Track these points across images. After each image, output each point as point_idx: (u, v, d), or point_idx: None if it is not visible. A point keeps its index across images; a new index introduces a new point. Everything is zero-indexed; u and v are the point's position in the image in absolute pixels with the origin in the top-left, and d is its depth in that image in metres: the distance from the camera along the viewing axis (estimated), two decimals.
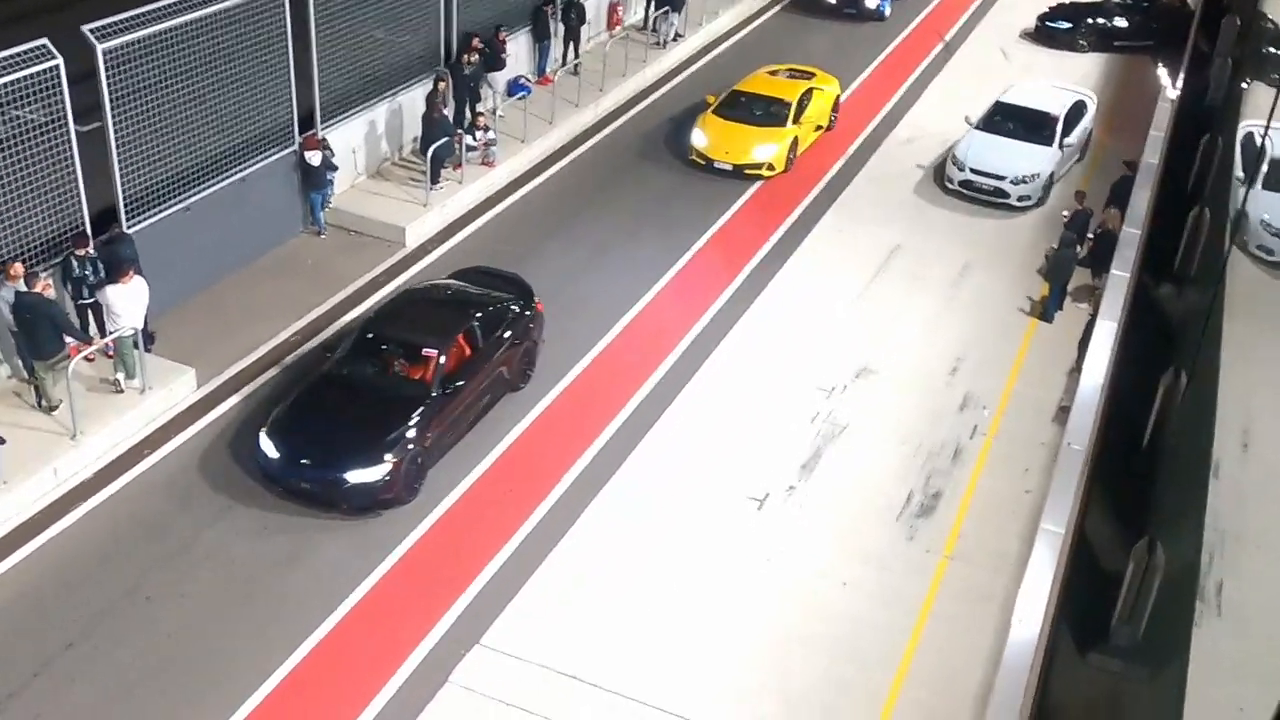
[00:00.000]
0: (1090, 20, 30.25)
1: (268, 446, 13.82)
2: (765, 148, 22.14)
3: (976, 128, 22.86)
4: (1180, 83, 14.05)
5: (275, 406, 14.54)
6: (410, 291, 16.58)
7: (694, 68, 27.25)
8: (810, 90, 23.74)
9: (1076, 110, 23.21)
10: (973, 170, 21.78)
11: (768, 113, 22.82)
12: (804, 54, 27.53)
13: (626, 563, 13.38)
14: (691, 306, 18.21)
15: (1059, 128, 22.43)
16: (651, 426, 15.57)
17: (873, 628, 12.70)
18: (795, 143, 22.67)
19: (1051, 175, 22.02)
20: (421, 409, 14.07)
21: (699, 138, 22.45)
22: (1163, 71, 20.20)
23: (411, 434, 13.85)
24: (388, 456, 13.57)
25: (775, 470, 14.88)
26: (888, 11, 30.75)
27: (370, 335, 15.06)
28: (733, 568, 13.40)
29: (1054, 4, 31.08)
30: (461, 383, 14.52)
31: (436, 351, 14.50)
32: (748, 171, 22.05)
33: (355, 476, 13.50)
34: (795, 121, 22.87)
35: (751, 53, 27.89)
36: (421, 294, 16.35)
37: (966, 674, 12.12)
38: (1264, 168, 7.83)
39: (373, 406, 14.20)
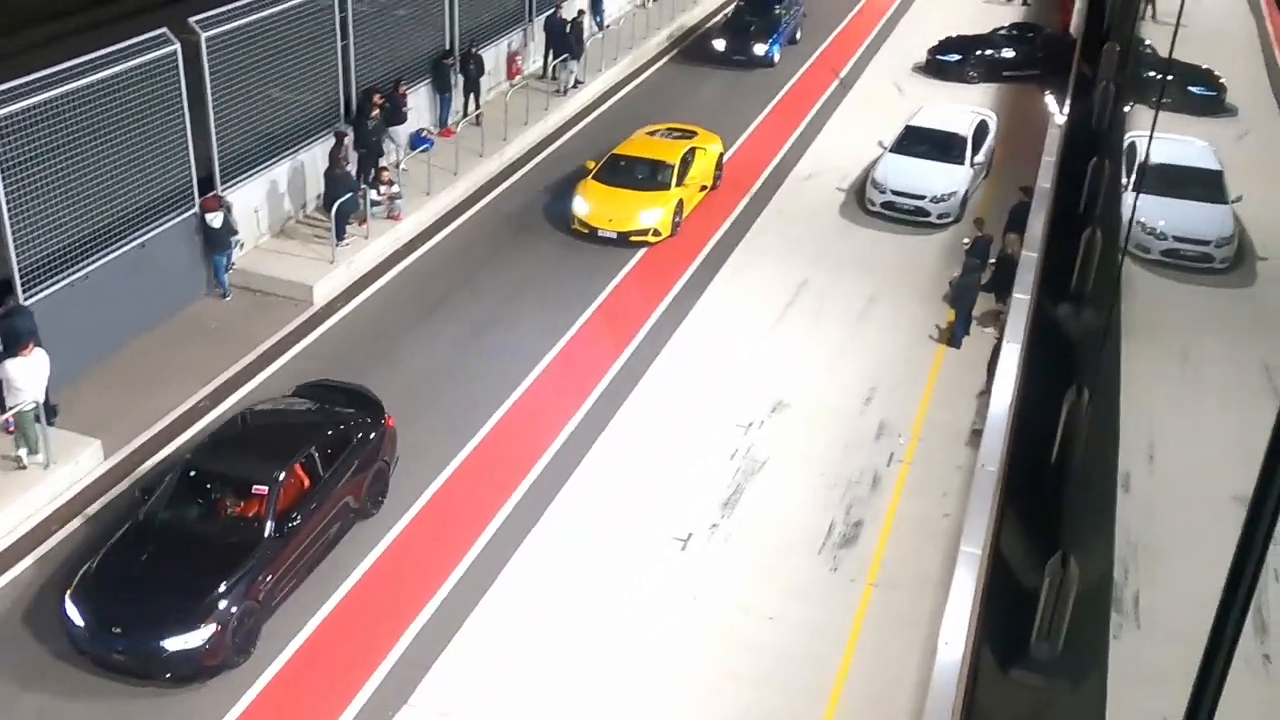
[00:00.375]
0: (979, 52, 31.16)
1: (73, 613, 12.05)
2: (650, 213, 21.45)
3: (891, 151, 23.75)
4: (1066, 108, 14.51)
5: (84, 562, 12.73)
6: (242, 415, 14.57)
7: (596, 113, 27.45)
8: (693, 150, 23.07)
9: (981, 129, 24.41)
10: (894, 192, 22.72)
11: (650, 176, 22.12)
12: (697, 101, 27.98)
13: (553, 612, 13.27)
14: (598, 360, 18.24)
15: (969, 147, 23.54)
16: (573, 471, 15.51)
17: (801, 659, 12.74)
18: (680, 205, 22.02)
19: (966, 192, 23.05)
20: (252, 558, 12.40)
21: (580, 206, 21.63)
22: (1050, 99, 20.82)
23: (240, 589, 12.17)
24: (211, 618, 11.89)
25: (697, 509, 14.91)
26: (776, 58, 30.83)
27: (193, 472, 13.31)
28: (659, 608, 13.36)
29: (943, 38, 31.89)
30: (299, 521, 12.86)
31: (268, 489, 12.84)
32: (633, 239, 21.34)
33: (174, 644, 11.79)
34: (679, 183, 22.20)
35: (646, 100, 28.22)
36: (254, 418, 14.46)
37: (896, 699, 12.20)
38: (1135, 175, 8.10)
39: (195, 558, 12.46)
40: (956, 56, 31.03)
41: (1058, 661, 5.37)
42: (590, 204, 21.62)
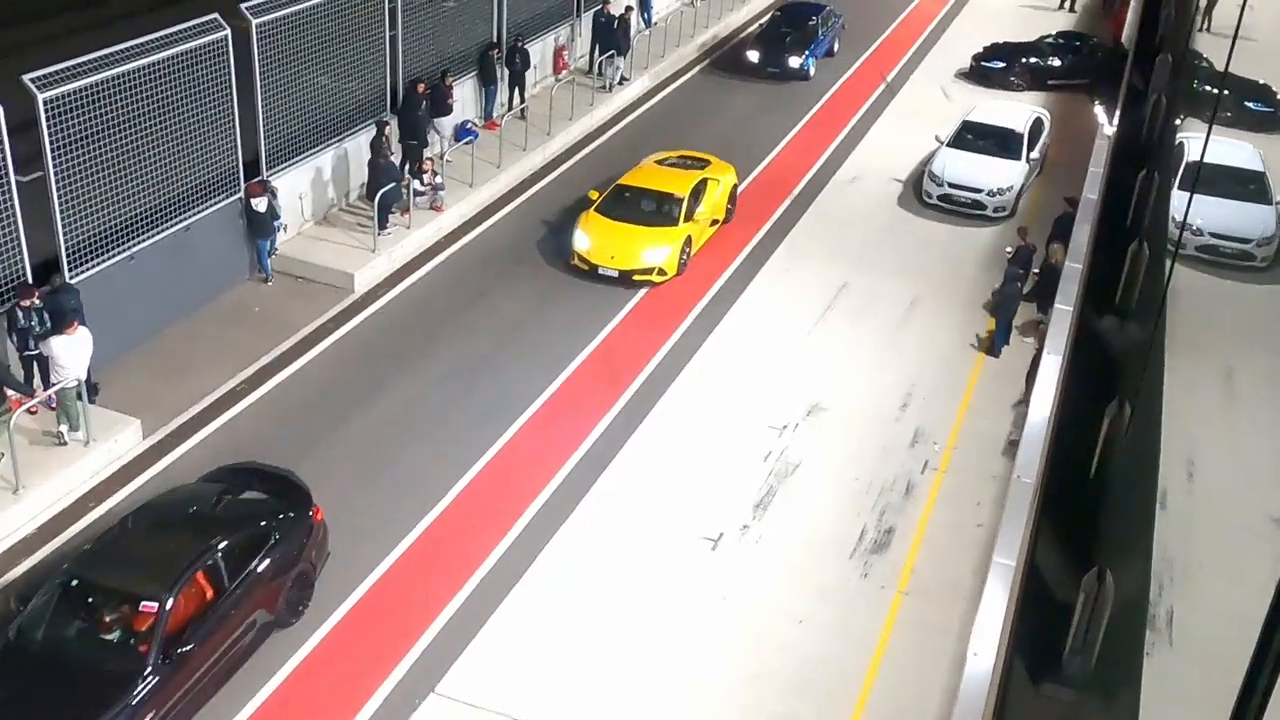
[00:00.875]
0: (1024, 59, 30.87)
1: None
2: (655, 250, 19.92)
3: (948, 145, 24.03)
4: (1116, 119, 14.37)
5: None
6: (142, 510, 12.52)
7: (639, 110, 27.44)
8: (704, 181, 21.44)
9: (1037, 126, 24.71)
10: (950, 185, 23.11)
11: (657, 210, 20.56)
12: (735, 105, 27.85)
13: (583, 607, 13.29)
14: (634, 356, 18.25)
15: (1024, 143, 23.83)
16: (606, 467, 15.53)
17: (829, 664, 12.69)
18: (689, 241, 20.48)
19: (1021, 187, 23.32)
20: (135, 692, 10.42)
21: (581, 240, 20.12)
22: (1100, 109, 20.64)
23: None
24: None
25: (729, 510, 14.89)
26: (812, 71, 29.98)
27: (74, 582, 11.25)
28: (688, 608, 13.35)
29: (989, 44, 31.66)
30: (192, 646, 10.90)
31: (157, 605, 10.80)
32: (636, 278, 19.84)
33: None
34: (688, 218, 20.58)
35: (686, 103, 28.19)
36: (152, 515, 12.37)
37: (923, 708, 12.13)
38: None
39: (66, 690, 10.47)
40: (1001, 64, 30.78)
41: (1090, 676, 5.33)
42: (591, 239, 20.06)
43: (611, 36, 27.29)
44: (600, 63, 27.43)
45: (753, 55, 30.12)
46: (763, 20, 33.00)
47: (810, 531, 14.63)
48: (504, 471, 15.40)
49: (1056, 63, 30.91)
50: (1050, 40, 31.86)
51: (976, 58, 31.22)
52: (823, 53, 30.89)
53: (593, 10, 27.87)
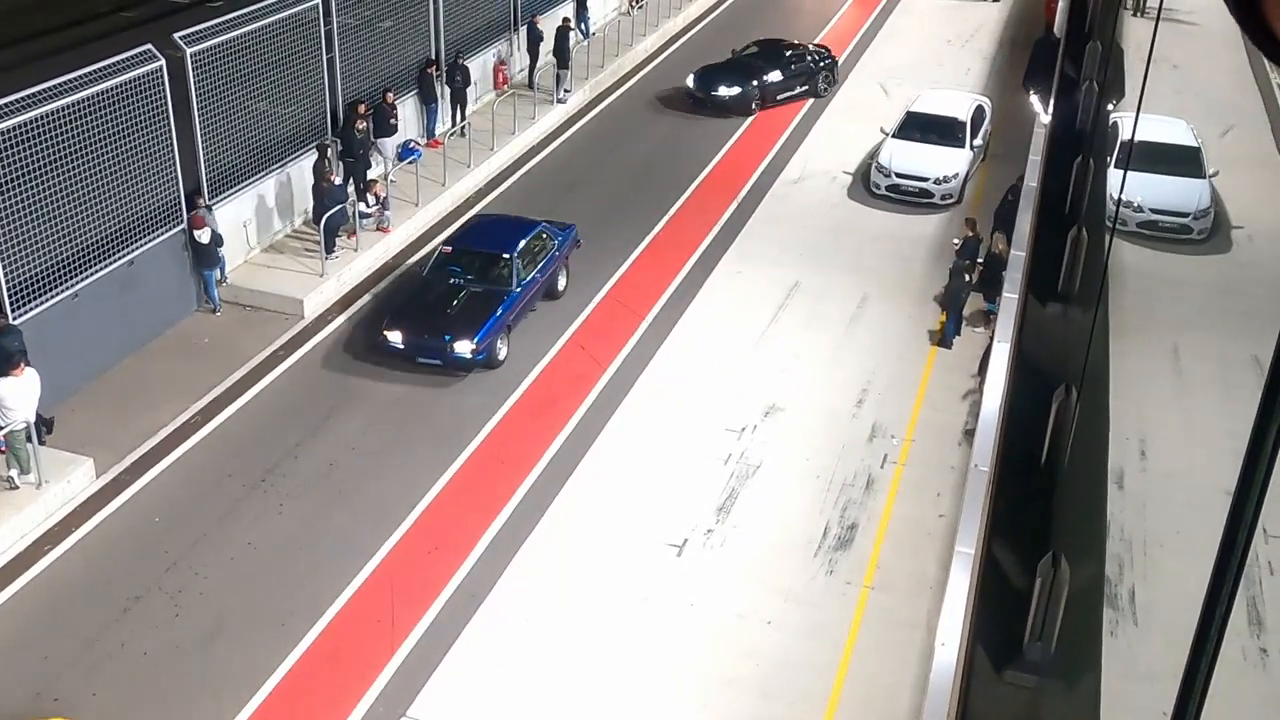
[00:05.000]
0: (755, 81, 27.94)
1: None
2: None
3: (893, 136, 24.35)
4: (1051, 108, 14.56)
5: None
6: None
7: (582, 121, 27.43)
8: (540, 239, 19.20)
9: (979, 113, 25.09)
10: (898, 175, 23.48)
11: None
12: (672, 121, 27.94)
13: (551, 621, 13.26)
14: (588, 367, 18.25)
15: (967, 130, 24.27)
16: (566, 480, 15.50)
17: (799, 664, 12.74)
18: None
19: (967, 174, 23.76)
20: None
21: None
22: (1035, 98, 20.91)
23: None
24: None
25: (692, 515, 14.91)
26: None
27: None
28: (657, 616, 13.35)
29: (698, 69, 28.57)
30: None
31: None
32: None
33: None
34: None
35: (630, 112, 28.22)
36: None
37: (896, 701, 12.20)
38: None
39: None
40: (735, 88, 27.57)
41: (1051, 661, 5.39)
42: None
43: (542, 48, 27.28)
44: (539, 75, 27.37)
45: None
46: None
47: (774, 532, 14.68)
48: (463, 491, 15.33)
49: (779, 76, 28.26)
50: (754, 53, 29.07)
51: (698, 90, 27.78)
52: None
53: (526, 24, 27.83)
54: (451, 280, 18.13)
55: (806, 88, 28.79)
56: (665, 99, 28.92)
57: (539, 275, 18.77)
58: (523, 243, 18.64)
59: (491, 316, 17.41)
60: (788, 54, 29.05)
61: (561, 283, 19.66)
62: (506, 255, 18.35)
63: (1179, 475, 15.18)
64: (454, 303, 17.65)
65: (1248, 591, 12.69)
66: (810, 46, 29.87)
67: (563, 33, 27.35)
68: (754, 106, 27.74)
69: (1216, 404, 16.75)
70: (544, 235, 19.26)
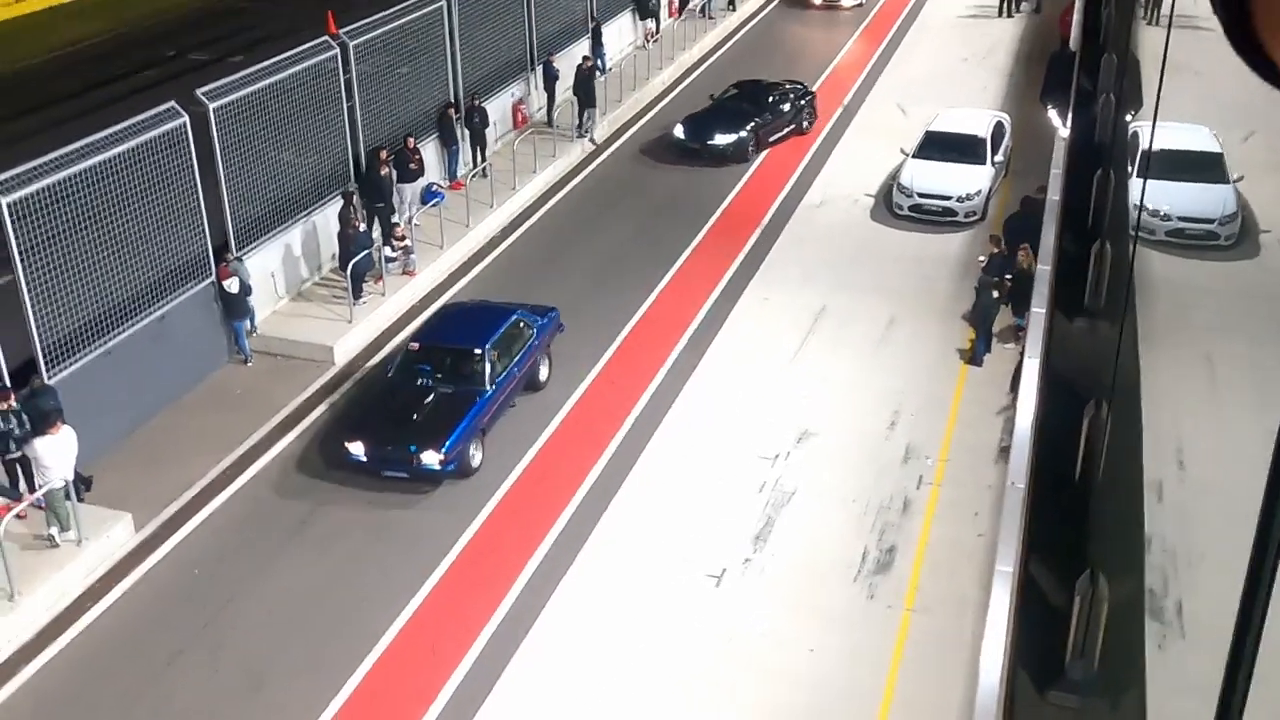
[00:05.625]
0: (754, 123, 27.10)
1: None
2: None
3: (913, 156, 24.30)
4: (1070, 122, 14.53)
5: None
6: None
7: (604, 155, 27.55)
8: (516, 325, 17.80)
9: (998, 130, 25.04)
10: (920, 194, 23.45)
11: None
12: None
13: (593, 656, 13.21)
14: (620, 401, 18.26)
15: (988, 147, 24.21)
16: (602, 514, 15.49)
17: (844, 690, 12.63)
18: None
19: (989, 190, 23.73)
20: None
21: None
22: (1053, 113, 20.86)
23: None
24: None
25: (729, 545, 14.85)
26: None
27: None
28: (697, 648, 13.29)
29: (686, 118, 27.56)
30: None
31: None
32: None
33: None
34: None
35: (643, 153, 28.31)
36: None
37: None
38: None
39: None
40: (732, 135, 26.52)
41: (1094, 680, 5.32)
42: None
43: (558, 85, 27.51)
44: (557, 112, 27.54)
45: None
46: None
47: (812, 558, 14.60)
48: (504, 524, 15.34)
49: (770, 117, 27.45)
50: (735, 95, 28.16)
51: (690, 140, 26.67)
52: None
53: (543, 63, 28.04)
54: (419, 381, 16.60)
55: (793, 126, 28.01)
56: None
57: (516, 369, 17.18)
58: (497, 335, 17.04)
59: (462, 421, 15.87)
60: (773, 94, 28.14)
61: (543, 373, 18.12)
62: (478, 351, 16.69)
63: (1218, 484, 14.98)
64: (421, 407, 16.12)
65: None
66: (787, 84, 28.93)
67: (588, 73, 27.48)
68: (750, 151, 26.76)
69: (1253, 410, 16.54)
70: (521, 324, 17.66)
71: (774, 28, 37.38)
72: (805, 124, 28.41)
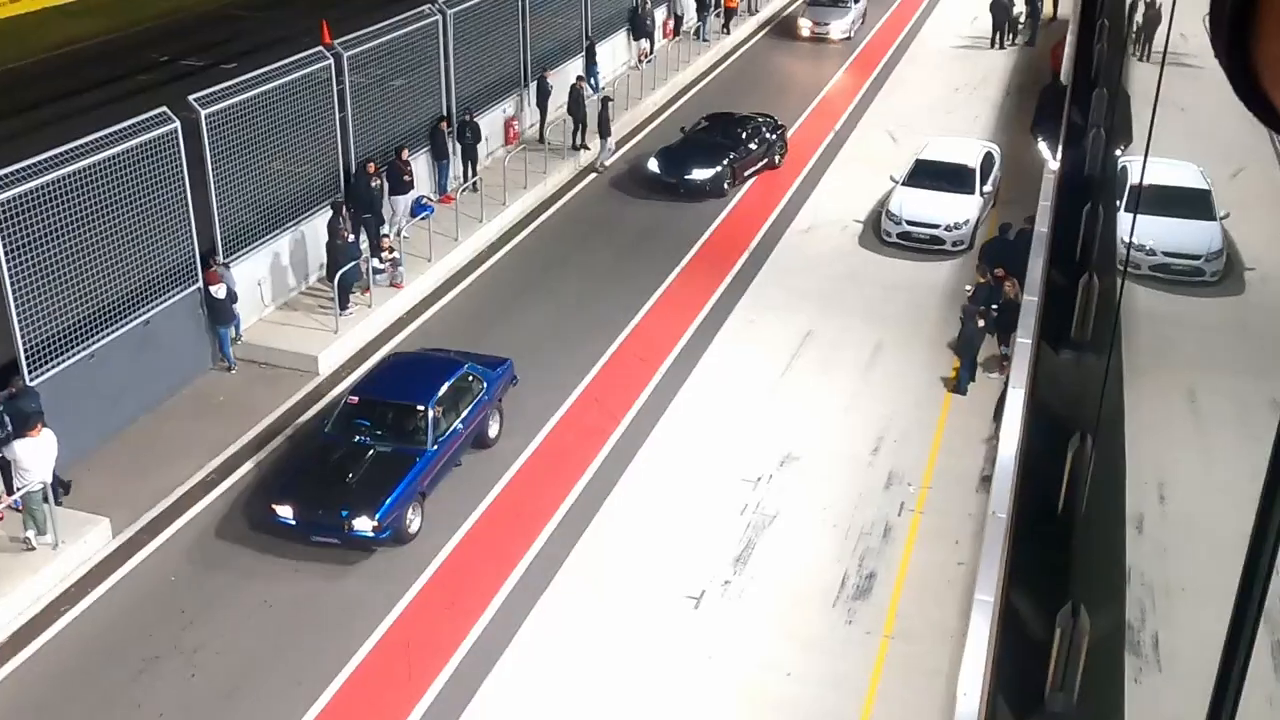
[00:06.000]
0: (733, 154, 26.52)
1: None
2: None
3: (903, 184, 24.37)
4: (1059, 155, 14.62)
5: None
6: None
7: (590, 178, 27.59)
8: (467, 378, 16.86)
9: (988, 160, 25.22)
10: (909, 222, 23.54)
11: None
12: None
13: (570, 676, 13.16)
14: (605, 419, 18.25)
15: (977, 177, 24.35)
16: (582, 532, 15.45)
17: (821, 715, 12.61)
18: None
19: (977, 220, 23.78)
20: None
21: None
22: (1043, 145, 21.01)
23: None
24: None
25: (709, 567, 14.83)
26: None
27: None
28: (675, 669, 13.25)
29: (664, 155, 26.63)
30: None
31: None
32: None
33: None
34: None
35: (632, 171, 28.36)
36: None
37: None
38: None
39: None
40: (710, 169, 25.88)
41: (1074, 712, 5.32)
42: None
43: (551, 102, 27.58)
44: (550, 130, 27.60)
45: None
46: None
47: (792, 582, 14.59)
48: (482, 545, 15.29)
49: (745, 151, 26.87)
50: (708, 128, 27.61)
51: (666, 175, 26.00)
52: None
53: (536, 79, 28.09)
54: (356, 438, 15.34)
55: (766, 159, 27.45)
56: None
57: (463, 425, 15.96)
58: (443, 389, 15.84)
59: (399, 484, 14.63)
60: (746, 127, 27.54)
61: (493, 429, 16.85)
62: (421, 407, 15.50)
63: (1199, 519, 15.05)
64: (357, 466, 14.87)
65: (1272, 636, 12.52)
66: (759, 117, 28.31)
67: (576, 90, 27.55)
68: (726, 186, 26.08)
69: (1235, 446, 16.63)
70: (470, 377, 16.47)
71: (762, 57, 37.52)
72: (778, 158, 27.95)
